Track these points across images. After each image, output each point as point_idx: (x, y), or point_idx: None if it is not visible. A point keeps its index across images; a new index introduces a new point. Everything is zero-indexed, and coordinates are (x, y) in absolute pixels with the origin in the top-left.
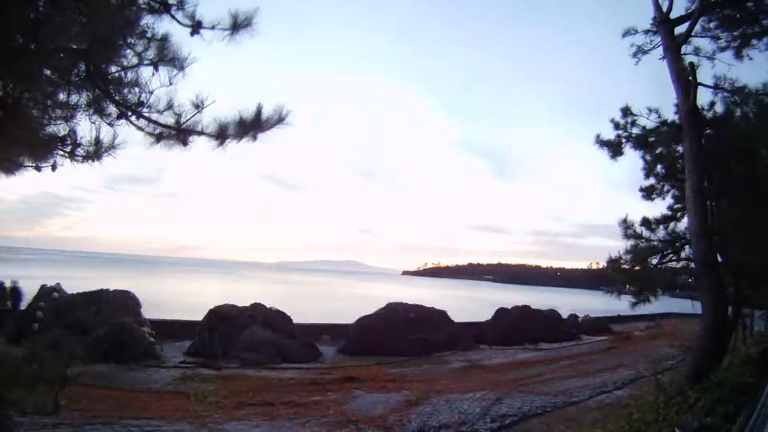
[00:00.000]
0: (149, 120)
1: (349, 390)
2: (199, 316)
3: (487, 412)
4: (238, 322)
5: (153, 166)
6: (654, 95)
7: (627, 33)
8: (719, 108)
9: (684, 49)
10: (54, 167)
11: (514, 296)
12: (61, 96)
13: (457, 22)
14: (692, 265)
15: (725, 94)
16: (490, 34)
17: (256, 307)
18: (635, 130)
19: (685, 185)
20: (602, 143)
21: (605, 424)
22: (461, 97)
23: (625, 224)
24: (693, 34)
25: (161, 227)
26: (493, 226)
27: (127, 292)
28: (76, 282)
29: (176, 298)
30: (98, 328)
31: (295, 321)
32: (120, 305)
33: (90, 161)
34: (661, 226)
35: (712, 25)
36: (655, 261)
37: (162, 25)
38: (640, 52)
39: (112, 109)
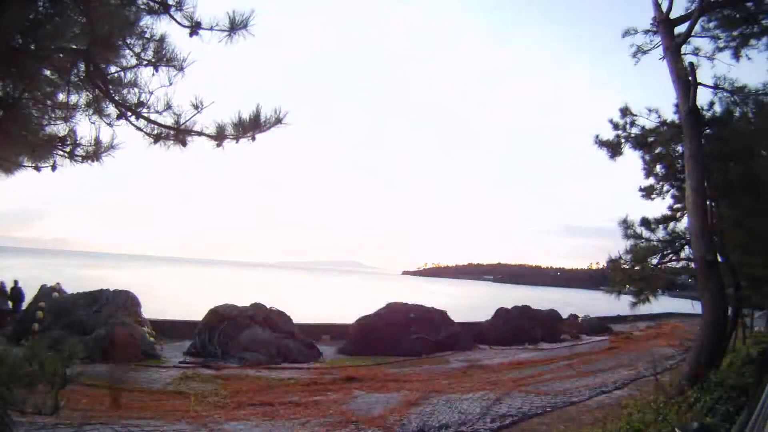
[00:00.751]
0: (148, 120)
1: (349, 390)
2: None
3: (487, 412)
4: (238, 322)
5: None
6: (654, 95)
7: (627, 33)
8: (719, 108)
9: (684, 49)
10: (54, 167)
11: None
12: (61, 96)
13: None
14: (692, 265)
15: (725, 94)
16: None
17: (256, 307)
18: (634, 130)
19: (685, 185)
20: (601, 143)
21: (605, 424)
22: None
23: (625, 224)
24: (693, 34)
25: (160, 227)
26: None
27: (127, 292)
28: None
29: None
30: (98, 328)
31: (295, 321)
32: (120, 305)
33: (90, 161)
34: (661, 226)
35: (711, 25)
36: (655, 261)
37: (161, 25)
38: (640, 52)
39: (112, 110)
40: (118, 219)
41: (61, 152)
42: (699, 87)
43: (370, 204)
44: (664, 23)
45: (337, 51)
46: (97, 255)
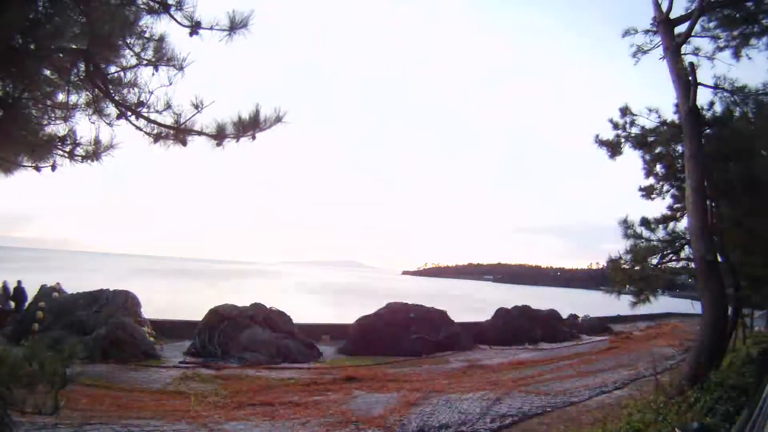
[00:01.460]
0: (148, 120)
1: (349, 390)
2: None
3: (487, 412)
4: (238, 322)
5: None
6: (654, 95)
7: (627, 33)
8: (719, 108)
9: (684, 49)
10: (54, 167)
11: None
12: (61, 96)
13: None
14: (692, 265)
15: (725, 94)
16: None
17: (256, 307)
18: (634, 130)
19: (685, 185)
20: (601, 143)
21: (605, 424)
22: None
23: (625, 224)
24: (693, 34)
25: (159, 226)
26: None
27: (127, 292)
28: None
29: None
30: (98, 328)
31: (294, 321)
32: (120, 305)
33: (89, 161)
34: (661, 226)
35: (711, 25)
36: (655, 261)
37: (161, 25)
38: (640, 52)
39: (112, 109)
40: (118, 219)
41: (61, 152)
42: (699, 87)
43: (371, 204)
44: (664, 23)
45: (337, 51)
46: (96, 255)
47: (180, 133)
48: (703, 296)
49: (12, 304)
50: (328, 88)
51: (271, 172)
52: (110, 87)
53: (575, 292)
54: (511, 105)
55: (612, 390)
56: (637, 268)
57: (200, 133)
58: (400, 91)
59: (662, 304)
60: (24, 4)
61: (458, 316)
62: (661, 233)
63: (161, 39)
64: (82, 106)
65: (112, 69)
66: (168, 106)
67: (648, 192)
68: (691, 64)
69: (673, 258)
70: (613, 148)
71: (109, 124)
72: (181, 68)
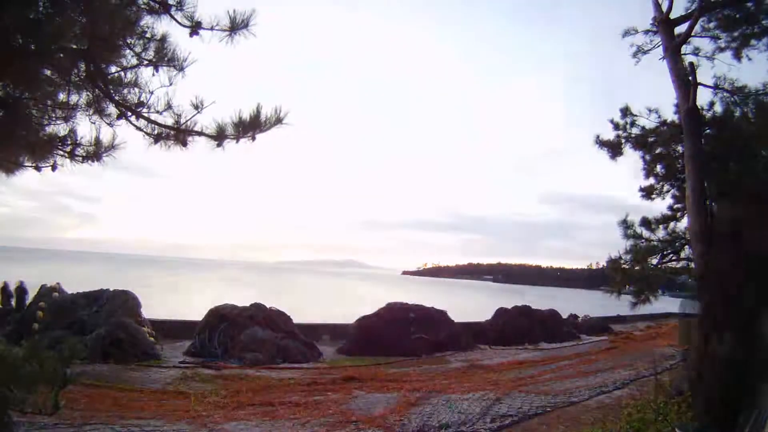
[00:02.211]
0: (149, 120)
1: (349, 390)
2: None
3: (487, 412)
4: (238, 322)
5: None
6: (654, 95)
7: (627, 33)
8: (719, 108)
9: (684, 49)
10: (54, 167)
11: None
12: (61, 96)
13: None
14: (692, 265)
15: (725, 94)
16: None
17: (256, 307)
18: (635, 130)
19: (685, 185)
20: (602, 143)
21: (605, 423)
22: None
23: (625, 224)
24: (693, 34)
25: (159, 226)
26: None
27: (127, 292)
28: None
29: None
30: (98, 328)
31: (295, 321)
32: (120, 305)
33: (90, 161)
34: (661, 226)
35: (711, 25)
36: (655, 261)
37: (161, 25)
38: (640, 52)
39: (112, 110)
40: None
41: (61, 152)
42: (699, 87)
43: (371, 203)
44: (664, 23)
45: (337, 50)
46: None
47: (180, 133)
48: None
49: (13, 303)
50: (328, 87)
51: (270, 172)
52: (111, 87)
53: (575, 292)
54: (516, 102)
55: (612, 390)
56: (637, 268)
57: (200, 133)
58: (401, 90)
59: (662, 304)
60: (24, 4)
61: (458, 316)
62: (661, 233)
63: (162, 39)
64: (83, 106)
65: (113, 69)
66: (168, 107)
67: (648, 192)
68: (691, 64)
69: (673, 258)
70: (614, 149)
71: (110, 125)
72: (181, 68)
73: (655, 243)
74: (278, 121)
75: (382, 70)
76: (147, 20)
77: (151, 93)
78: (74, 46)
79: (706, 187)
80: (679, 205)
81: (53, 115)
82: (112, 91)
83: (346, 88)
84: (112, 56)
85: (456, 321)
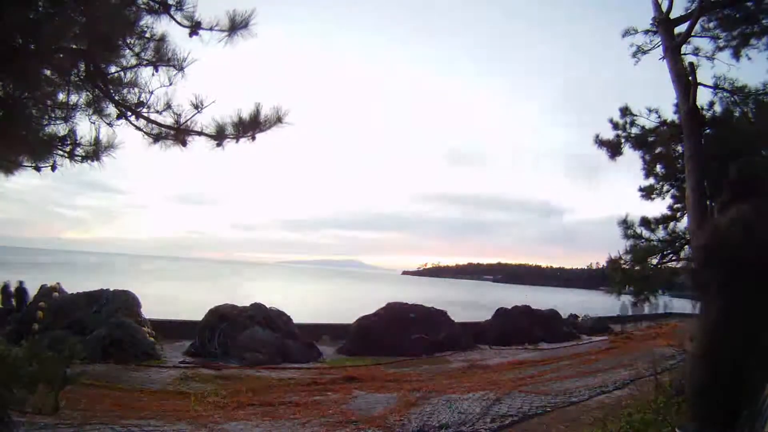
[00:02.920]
0: (148, 120)
1: (349, 390)
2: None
3: (487, 412)
4: (238, 322)
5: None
6: (654, 95)
7: (627, 33)
8: (719, 108)
9: (684, 49)
10: (54, 167)
11: None
12: (61, 96)
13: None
14: (692, 265)
15: (725, 94)
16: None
17: (256, 307)
18: (634, 130)
19: (685, 185)
20: (601, 143)
21: (605, 423)
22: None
23: (625, 224)
24: (693, 34)
25: (159, 225)
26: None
27: (128, 292)
28: None
29: None
30: (98, 328)
31: (294, 321)
32: (120, 305)
33: (89, 161)
34: (661, 226)
35: (711, 25)
36: (655, 261)
37: (161, 25)
38: (639, 52)
39: (112, 109)
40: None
41: (61, 152)
42: (699, 87)
43: (371, 203)
44: (664, 23)
45: (337, 50)
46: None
47: (180, 133)
48: None
49: (14, 303)
50: (329, 86)
51: (271, 172)
52: (110, 87)
53: (575, 292)
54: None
55: (612, 390)
56: (637, 268)
57: (200, 133)
58: (401, 89)
59: (662, 304)
60: (24, 4)
61: (458, 316)
62: (661, 233)
63: (161, 39)
64: (82, 106)
65: (113, 69)
66: (168, 107)
67: (648, 192)
68: (691, 64)
69: (673, 258)
70: (613, 149)
71: (109, 124)
72: (181, 68)
73: (655, 243)
74: (278, 120)
75: (381, 69)
76: (147, 20)
77: (151, 93)
78: (74, 46)
79: (706, 187)
80: (679, 205)
81: (53, 115)
82: (111, 91)
83: (346, 88)
84: (112, 56)
85: (456, 321)
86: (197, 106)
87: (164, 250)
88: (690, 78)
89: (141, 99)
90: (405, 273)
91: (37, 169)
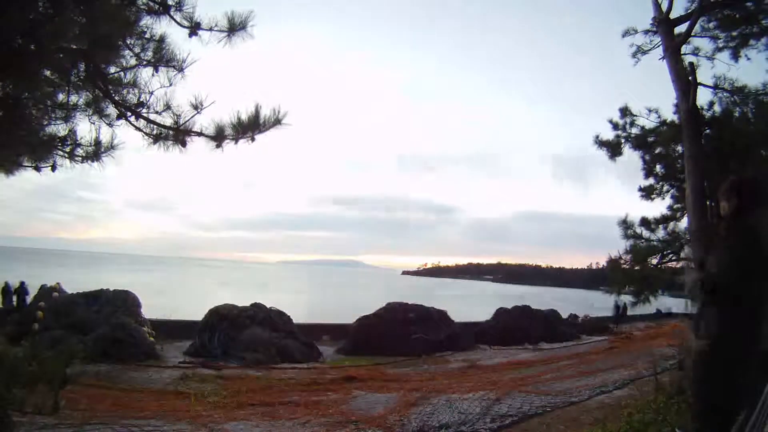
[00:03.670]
0: (148, 120)
1: (349, 390)
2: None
3: (487, 412)
4: (238, 322)
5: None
6: (654, 95)
7: (627, 33)
8: (719, 108)
9: (684, 49)
10: (54, 167)
11: None
12: (61, 96)
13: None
14: (692, 265)
15: (725, 94)
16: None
17: (257, 307)
18: (634, 130)
19: (684, 185)
20: (601, 143)
21: (605, 423)
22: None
23: (625, 224)
24: (692, 34)
25: (160, 225)
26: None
27: (127, 292)
28: None
29: None
30: (98, 328)
31: (294, 321)
32: (120, 305)
33: (89, 161)
34: (661, 226)
35: (711, 25)
36: (655, 261)
37: (161, 26)
38: (639, 52)
39: (112, 110)
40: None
41: (61, 152)
42: (699, 87)
43: (371, 203)
44: (664, 23)
45: (336, 50)
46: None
47: (179, 134)
48: None
49: (14, 303)
50: (329, 85)
51: (270, 171)
52: (110, 87)
53: (575, 292)
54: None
55: (612, 390)
56: (637, 268)
57: (199, 134)
58: (401, 87)
59: (662, 304)
60: (24, 4)
61: (458, 316)
62: (661, 233)
63: (161, 40)
64: (82, 106)
65: (112, 69)
66: (168, 107)
67: (648, 192)
68: (691, 64)
69: (673, 258)
70: (613, 149)
71: (109, 125)
72: (180, 69)
73: (655, 243)
74: (277, 121)
75: (382, 67)
76: (146, 21)
77: (151, 93)
78: (74, 46)
79: (706, 187)
80: (679, 205)
81: (53, 115)
82: (111, 92)
83: (347, 86)
84: (112, 57)
85: (456, 321)
86: (197, 107)
87: (163, 251)
88: (690, 78)
89: (141, 99)
90: (405, 273)
91: (37, 169)
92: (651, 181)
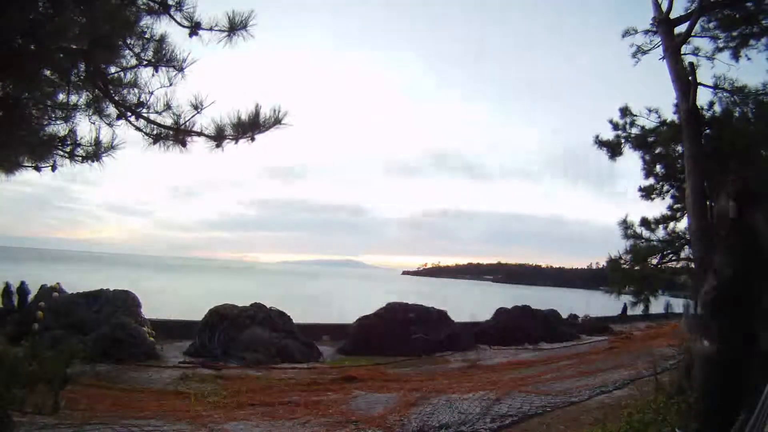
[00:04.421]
0: (148, 120)
1: (349, 390)
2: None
3: (487, 412)
4: (238, 322)
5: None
6: (654, 95)
7: (627, 33)
8: (719, 108)
9: (684, 49)
10: (54, 167)
11: None
12: (61, 96)
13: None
14: (692, 265)
15: (725, 94)
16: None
17: (257, 307)
18: (634, 131)
19: (685, 185)
20: (601, 143)
21: (605, 424)
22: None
23: (625, 224)
24: (692, 34)
25: (162, 225)
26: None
27: (127, 292)
28: None
29: None
30: (98, 328)
31: (294, 321)
32: (120, 305)
33: (90, 161)
34: (661, 226)
35: (711, 25)
36: (655, 261)
37: (161, 25)
38: (639, 52)
39: (112, 110)
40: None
41: (61, 152)
42: (699, 87)
43: (370, 202)
44: (664, 23)
45: (337, 50)
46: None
47: (179, 134)
48: None
49: (15, 303)
50: (329, 85)
51: (271, 170)
52: (110, 87)
53: (575, 292)
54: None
55: (612, 390)
56: (637, 268)
57: (200, 134)
58: (401, 87)
59: (662, 303)
60: (24, 4)
61: (458, 316)
62: (661, 233)
63: (161, 40)
64: (82, 106)
65: (112, 69)
66: (168, 107)
67: (648, 192)
68: (691, 64)
69: (673, 258)
70: (614, 149)
71: (109, 125)
72: (180, 69)
73: (655, 243)
74: (277, 121)
75: (383, 66)
76: (146, 20)
77: (151, 93)
78: (74, 46)
79: (706, 187)
80: (678, 205)
81: (53, 115)
82: (111, 92)
83: (347, 85)
84: (112, 56)
85: (456, 321)
86: (197, 107)
87: (161, 251)
88: (690, 78)
89: (141, 99)
90: (405, 273)
91: (38, 169)
92: (651, 181)
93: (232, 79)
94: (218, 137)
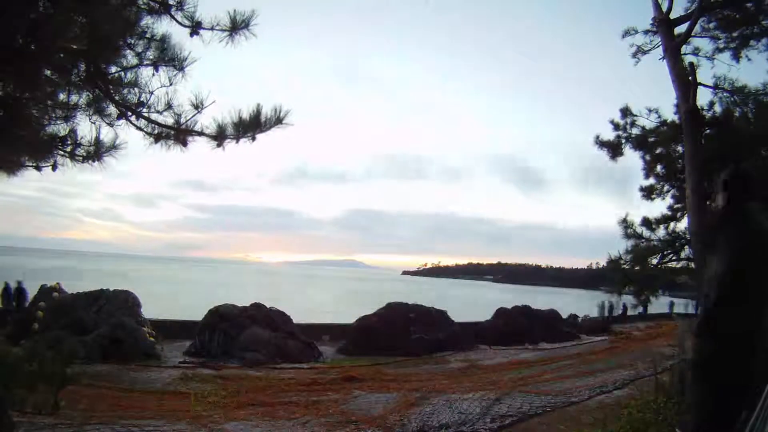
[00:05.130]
0: (149, 120)
1: (349, 390)
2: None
3: (487, 412)
4: (238, 322)
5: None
6: (654, 95)
7: (627, 33)
8: (719, 108)
9: (684, 49)
10: (54, 167)
11: None
12: (61, 96)
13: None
14: (692, 265)
15: (725, 94)
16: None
17: (256, 307)
18: (635, 131)
19: (685, 185)
20: (602, 144)
21: (605, 424)
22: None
23: (625, 224)
24: (693, 34)
25: (162, 225)
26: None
27: (127, 292)
28: None
29: None
30: (98, 328)
31: (295, 321)
32: (120, 305)
33: (90, 161)
34: (661, 226)
35: (711, 25)
36: (655, 261)
37: (162, 25)
38: (639, 52)
39: (112, 110)
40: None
41: (61, 152)
42: (699, 87)
43: (370, 202)
44: (664, 23)
45: (336, 50)
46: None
47: (180, 133)
48: None
49: (14, 303)
50: (329, 85)
51: (271, 170)
52: (111, 87)
53: (575, 292)
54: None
55: (612, 390)
56: (637, 268)
57: (200, 133)
58: (401, 87)
59: (662, 304)
60: (24, 4)
61: (458, 316)
62: (661, 233)
63: (162, 39)
64: (83, 106)
65: (113, 69)
66: (168, 107)
67: (648, 192)
68: (691, 64)
69: (673, 258)
70: (614, 149)
71: (110, 125)
72: (181, 68)
73: (655, 243)
74: (278, 121)
75: (383, 65)
76: (147, 20)
77: (152, 93)
78: (74, 46)
79: (706, 187)
80: (679, 205)
81: (53, 115)
82: (112, 91)
83: (347, 85)
84: (113, 56)
85: (456, 321)
86: (198, 106)
87: (158, 251)
88: (690, 78)
89: (141, 99)
90: (405, 273)
91: (38, 169)
92: (651, 181)
93: (234, 79)
94: (219, 137)
